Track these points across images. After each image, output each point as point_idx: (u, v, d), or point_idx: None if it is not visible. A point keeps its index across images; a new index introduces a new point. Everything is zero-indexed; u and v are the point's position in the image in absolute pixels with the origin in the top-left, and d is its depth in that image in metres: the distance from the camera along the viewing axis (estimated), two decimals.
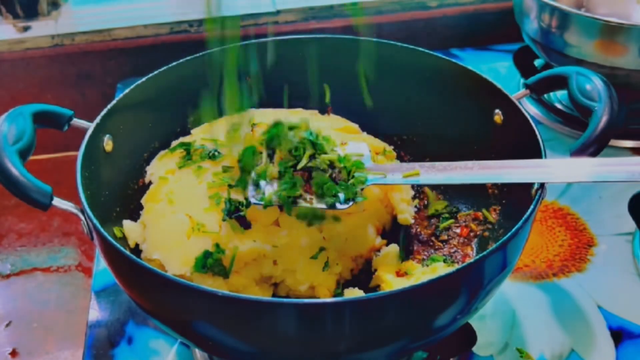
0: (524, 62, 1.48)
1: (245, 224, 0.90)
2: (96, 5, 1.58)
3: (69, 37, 1.50)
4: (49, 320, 1.21)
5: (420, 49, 1.07)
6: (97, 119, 0.93)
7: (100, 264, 1.10)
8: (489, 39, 1.63)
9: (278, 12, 1.56)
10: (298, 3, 1.58)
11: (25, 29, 1.51)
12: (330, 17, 1.58)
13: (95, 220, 0.80)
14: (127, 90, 0.99)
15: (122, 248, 0.77)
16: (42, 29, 1.50)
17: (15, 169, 0.81)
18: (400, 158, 1.12)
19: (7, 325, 1.20)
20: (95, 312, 1.04)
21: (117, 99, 0.97)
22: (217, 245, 0.88)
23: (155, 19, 1.54)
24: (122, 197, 0.99)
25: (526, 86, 0.97)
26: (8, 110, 0.88)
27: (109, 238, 0.78)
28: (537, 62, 1.49)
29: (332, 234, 0.93)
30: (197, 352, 0.96)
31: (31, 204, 0.81)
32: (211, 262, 0.87)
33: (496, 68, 1.53)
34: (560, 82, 0.94)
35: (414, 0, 1.61)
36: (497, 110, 0.99)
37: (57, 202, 0.82)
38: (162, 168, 0.99)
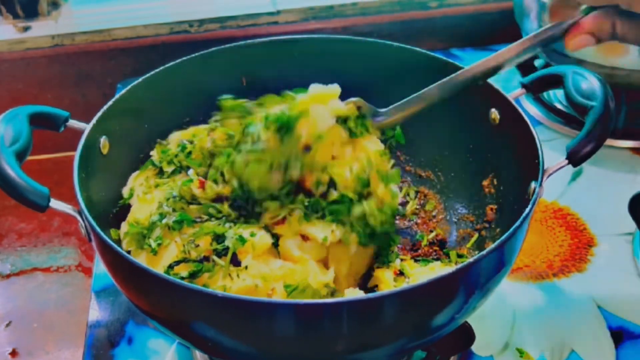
0: (524, 62, 1.47)
1: (235, 262, 0.86)
2: (96, 5, 1.58)
3: (69, 37, 1.50)
4: (49, 320, 1.21)
5: (414, 48, 1.06)
6: (93, 121, 0.93)
7: (100, 264, 1.09)
8: (489, 39, 1.63)
9: (278, 12, 1.57)
10: (298, 3, 1.58)
11: (25, 29, 1.51)
12: (330, 17, 1.58)
13: (93, 222, 0.79)
14: (123, 91, 0.99)
15: (120, 249, 0.77)
16: (42, 29, 1.50)
17: (12, 170, 0.80)
18: (397, 158, 1.12)
19: (7, 325, 1.20)
20: (95, 312, 1.04)
21: (113, 100, 0.97)
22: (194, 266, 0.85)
23: (155, 19, 1.54)
24: (119, 198, 0.98)
25: (522, 85, 0.97)
26: (7, 110, 0.88)
27: (108, 240, 0.78)
28: (537, 62, 1.49)
29: (338, 264, 0.90)
30: (197, 352, 0.96)
31: (29, 205, 0.81)
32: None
33: None
34: (556, 80, 0.94)
35: (414, 0, 1.61)
36: (493, 110, 0.99)
37: (55, 204, 0.81)
38: (138, 188, 0.97)
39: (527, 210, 0.80)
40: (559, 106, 1.39)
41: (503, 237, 0.76)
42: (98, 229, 0.79)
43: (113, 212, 0.96)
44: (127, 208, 0.98)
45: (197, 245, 0.87)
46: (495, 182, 1.00)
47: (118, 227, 0.94)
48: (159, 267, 0.86)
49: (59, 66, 1.50)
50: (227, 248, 0.86)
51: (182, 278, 0.84)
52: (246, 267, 0.85)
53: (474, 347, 0.95)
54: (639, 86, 1.26)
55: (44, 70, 1.50)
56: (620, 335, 0.98)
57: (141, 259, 0.89)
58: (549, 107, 1.38)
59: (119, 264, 0.79)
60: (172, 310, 0.78)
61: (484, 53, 1.58)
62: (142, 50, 1.52)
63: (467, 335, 0.94)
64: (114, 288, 1.06)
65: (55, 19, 1.54)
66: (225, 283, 0.84)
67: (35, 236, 1.36)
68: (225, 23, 1.55)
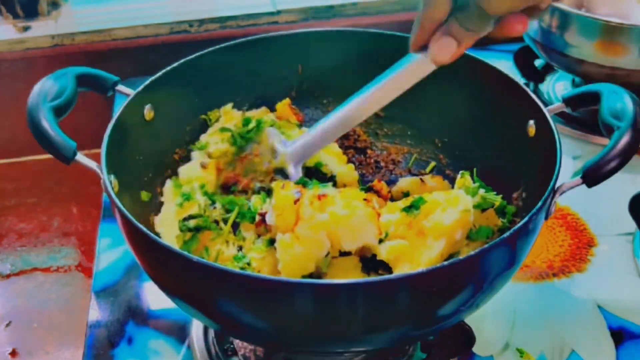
0: (524, 62, 1.48)
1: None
2: (96, 5, 1.58)
3: (69, 37, 1.50)
4: (49, 320, 1.21)
5: None
6: (139, 89, 0.94)
7: (100, 264, 1.09)
8: (489, 40, 1.63)
9: (278, 12, 1.57)
10: (298, 3, 1.58)
11: (25, 29, 1.51)
12: (330, 17, 1.58)
13: (109, 185, 0.81)
14: (175, 64, 1.00)
15: (139, 225, 0.76)
16: (42, 29, 1.51)
17: (46, 121, 0.83)
18: (439, 161, 1.10)
19: (7, 325, 1.20)
20: (95, 312, 1.04)
21: (162, 71, 0.98)
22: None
23: (155, 19, 1.54)
24: (157, 163, 0.99)
25: (563, 100, 0.95)
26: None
27: (125, 210, 0.77)
28: (538, 62, 1.49)
29: None
30: (197, 352, 0.96)
31: (55, 156, 0.83)
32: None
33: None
34: (594, 98, 0.91)
35: (415, 0, 1.61)
36: (531, 122, 0.95)
37: (80, 157, 0.83)
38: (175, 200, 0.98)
39: (539, 204, 0.79)
40: None
41: (515, 228, 0.75)
42: (114, 196, 0.79)
43: (148, 175, 0.97)
44: (162, 171, 1.01)
45: (215, 207, 0.92)
46: (524, 195, 0.96)
47: (149, 190, 0.96)
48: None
49: (59, 66, 1.49)
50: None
51: (188, 229, 0.90)
52: (244, 239, 0.90)
53: (474, 347, 0.95)
54: (639, 86, 1.26)
55: (44, 70, 1.50)
56: (620, 335, 0.98)
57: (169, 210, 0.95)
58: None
59: (136, 236, 0.78)
60: (188, 285, 0.78)
61: (484, 53, 1.59)
62: (142, 50, 1.52)
63: (467, 337, 0.94)
64: (114, 288, 1.06)
65: (55, 19, 1.54)
66: (221, 248, 0.89)
67: (35, 236, 1.36)
68: (225, 23, 1.55)
